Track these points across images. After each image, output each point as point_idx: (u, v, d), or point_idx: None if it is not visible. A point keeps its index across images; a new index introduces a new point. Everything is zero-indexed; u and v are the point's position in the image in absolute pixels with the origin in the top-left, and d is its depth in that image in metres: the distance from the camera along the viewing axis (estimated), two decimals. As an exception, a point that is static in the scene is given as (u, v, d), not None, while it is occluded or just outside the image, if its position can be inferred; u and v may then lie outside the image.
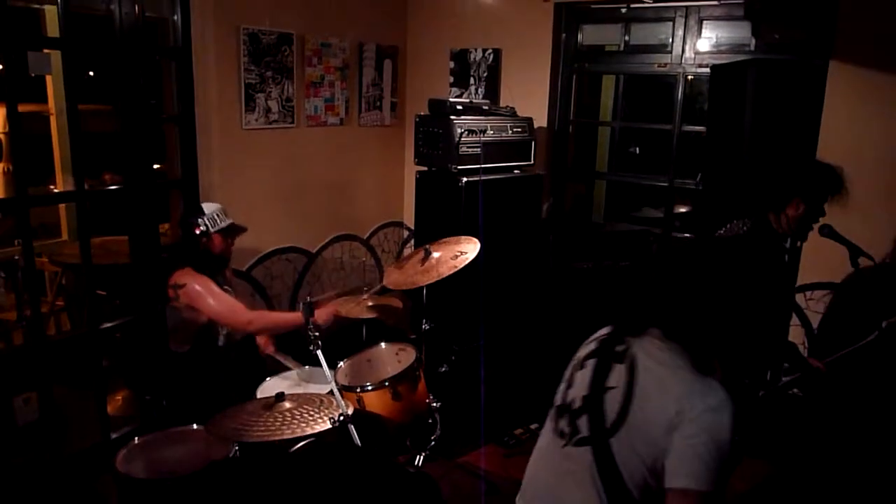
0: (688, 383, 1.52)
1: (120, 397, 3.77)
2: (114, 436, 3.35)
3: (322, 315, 3.03)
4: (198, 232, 3.11)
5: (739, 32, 4.05)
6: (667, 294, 1.63)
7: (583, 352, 1.76)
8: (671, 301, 1.62)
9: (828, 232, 2.94)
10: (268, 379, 3.19)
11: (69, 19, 2.92)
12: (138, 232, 3.41)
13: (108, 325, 3.32)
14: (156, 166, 3.72)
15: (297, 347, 3.17)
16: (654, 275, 1.71)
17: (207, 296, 3.03)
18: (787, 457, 2.97)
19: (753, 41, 3.96)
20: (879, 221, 3.50)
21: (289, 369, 3.30)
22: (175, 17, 3.53)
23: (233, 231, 3.25)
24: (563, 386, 1.76)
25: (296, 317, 3.08)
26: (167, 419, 3.02)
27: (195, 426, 2.61)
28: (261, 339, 3.42)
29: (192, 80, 3.62)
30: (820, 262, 3.61)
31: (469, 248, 3.22)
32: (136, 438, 2.54)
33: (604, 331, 1.77)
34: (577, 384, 1.70)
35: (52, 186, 4.97)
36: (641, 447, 1.52)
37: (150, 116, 3.41)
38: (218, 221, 3.16)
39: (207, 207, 3.19)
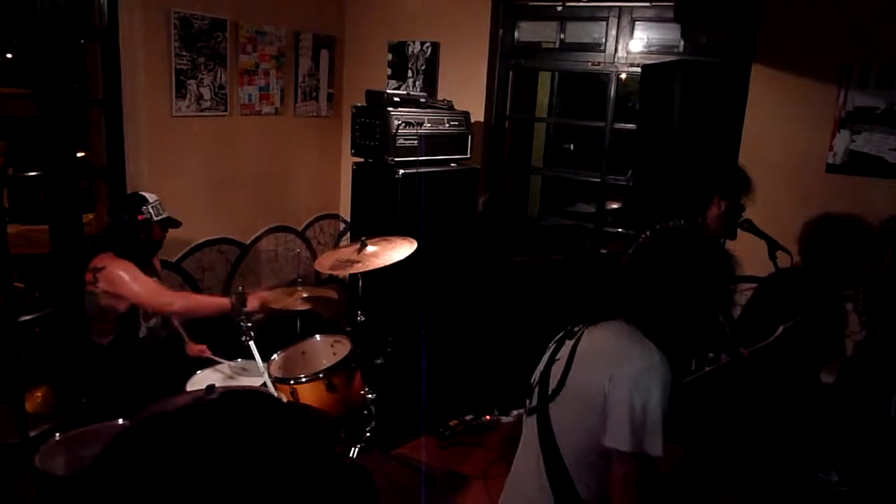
0: (625, 348, 1.60)
1: (39, 394, 3.61)
2: (32, 434, 3.21)
3: (252, 301, 2.99)
4: (141, 219, 3.03)
5: (670, 34, 4.19)
6: (636, 286, 1.69)
7: (553, 340, 1.87)
8: (640, 292, 1.68)
9: (748, 226, 3.09)
10: (198, 372, 3.12)
11: (-16, -4, 2.77)
12: (60, 221, 3.27)
13: (27, 318, 3.17)
14: (80, 154, 3.57)
15: (229, 339, 3.11)
16: (624, 268, 1.81)
17: (127, 279, 2.95)
18: (701, 439, 3.12)
19: (682, 43, 4.10)
20: (792, 220, 3.69)
21: (220, 363, 3.24)
22: (101, -2, 3.39)
23: (171, 223, 3.19)
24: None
25: (220, 301, 3.05)
26: (88, 415, 2.91)
27: (120, 421, 2.53)
28: (193, 348, 3.34)
29: (118, 63, 3.47)
30: (742, 257, 3.77)
31: (406, 246, 3.24)
32: (57, 435, 2.44)
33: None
34: (540, 365, 1.82)
35: (-35, 172, 4.70)
36: (580, 412, 1.60)
37: (73, 101, 3.24)
38: (161, 211, 3.12)
39: (149, 196, 3.11)
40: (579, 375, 1.64)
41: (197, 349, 3.32)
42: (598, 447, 1.56)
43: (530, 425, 1.75)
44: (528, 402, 1.82)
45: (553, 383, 1.69)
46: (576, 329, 1.76)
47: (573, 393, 1.64)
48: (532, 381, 1.83)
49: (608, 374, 1.55)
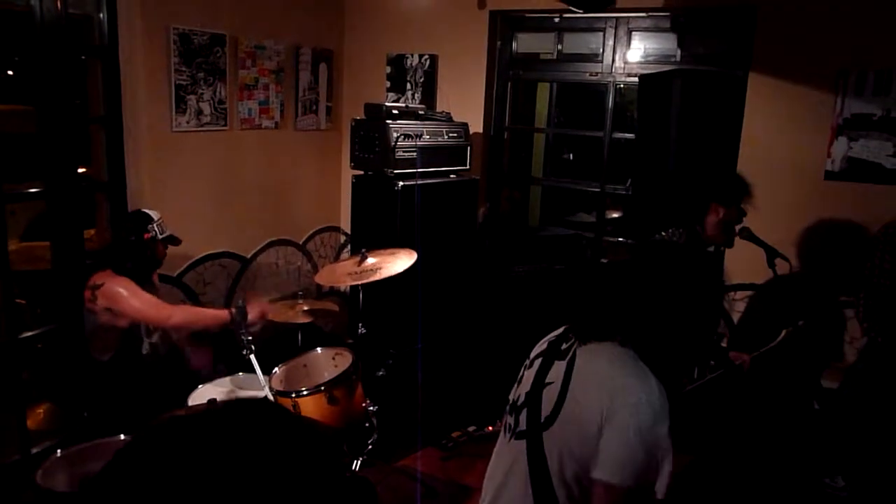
0: (624, 377, 1.56)
1: (41, 410, 3.60)
2: (35, 451, 3.20)
3: (253, 311, 2.99)
4: (147, 237, 3.06)
5: (666, 44, 4.21)
6: (627, 305, 1.67)
7: (534, 352, 1.80)
8: (632, 311, 1.66)
9: (747, 234, 3.09)
10: (199, 386, 3.12)
11: (-15, 14, 2.79)
12: (61, 237, 3.28)
13: (29, 334, 3.17)
14: (81, 170, 3.58)
15: (231, 353, 3.11)
16: (613, 286, 1.76)
17: (126, 294, 2.95)
18: (707, 448, 3.11)
19: (679, 52, 4.12)
20: (792, 227, 3.69)
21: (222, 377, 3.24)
22: (101, 15, 3.42)
23: (172, 241, 3.22)
24: (515, 385, 1.80)
25: (220, 314, 3.05)
26: (90, 431, 2.90)
27: (122, 437, 2.52)
28: (196, 360, 3.34)
29: (118, 80, 3.50)
30: (742, 264, 3.78)
31: (406, 258, 3.24)
32: (59, 451, 2.43)
33: (556, 332, 1.81)
34: (523, 382, 1.75)
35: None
36: (575, 442, 1.54)
37: (74, 117, 3.28)
38: (164, 228, 3.14)
39: (153, 214, 3.15)
40: (576, 402, 1.58)
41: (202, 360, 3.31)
42: (586, 476, 1.53)
43: (517, 450, 1.66)
44: (509, 421, 1.74)
45: (547, 409, 1.62)
46: (563, 347, 1.69)
47: (568, 420, 1.57)
48: (514, 399, 1.75)
49: (607, 404, 1.51)
